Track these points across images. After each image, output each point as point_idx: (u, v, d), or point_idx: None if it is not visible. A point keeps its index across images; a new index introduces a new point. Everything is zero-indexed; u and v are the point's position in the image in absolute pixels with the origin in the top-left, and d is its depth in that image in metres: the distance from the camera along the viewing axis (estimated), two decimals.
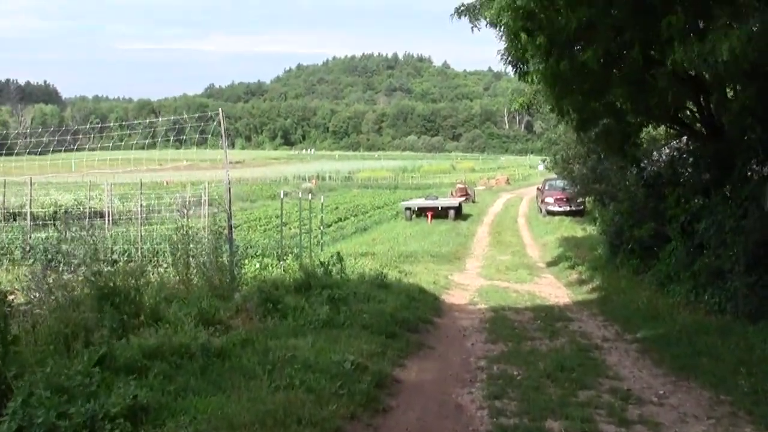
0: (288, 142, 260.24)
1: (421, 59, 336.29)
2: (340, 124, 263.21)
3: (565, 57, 16.52)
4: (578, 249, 30.53)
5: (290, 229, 28.22)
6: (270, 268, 19.39)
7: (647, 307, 16.98)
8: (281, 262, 19.58)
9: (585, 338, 14.71)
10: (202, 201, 20.62)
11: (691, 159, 21.51)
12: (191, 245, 14.85)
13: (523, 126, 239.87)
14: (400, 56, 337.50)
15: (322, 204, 28.01)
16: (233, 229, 15.75)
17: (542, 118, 55.75)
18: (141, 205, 21.10)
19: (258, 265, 19.53)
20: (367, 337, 12.28)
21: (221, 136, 16.14)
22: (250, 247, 22.95)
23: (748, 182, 16.60)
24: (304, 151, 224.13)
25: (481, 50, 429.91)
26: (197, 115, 18.29)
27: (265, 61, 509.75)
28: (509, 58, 20.62)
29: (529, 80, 21.38)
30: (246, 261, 20.25)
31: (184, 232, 14.75)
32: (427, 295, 19.46)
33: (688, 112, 21.19)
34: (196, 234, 15.94)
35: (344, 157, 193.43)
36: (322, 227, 28.23)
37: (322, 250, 24.74)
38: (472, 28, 20.31)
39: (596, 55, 15.25)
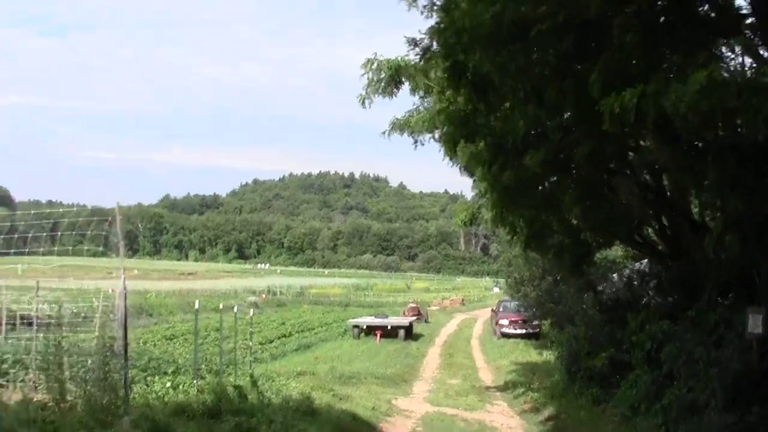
0: (242, 256, 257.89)
1: (377, 179, 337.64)
2: (296, 240, 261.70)
3: (510, 165, 14.78)
4: (534, 374, 28.69)
5: (228, 344, 26.08)
6: (181, 387, 16.96)
7: None
8: (195, 381, 17.16)
9: None
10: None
11: (653, 281, 19.91)
12: (71, 359, 12.53)
13: (479, 248, 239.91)
14: (357, 176, 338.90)
15: (251, 318, 25.93)
16: (128, 343, 13.41)
17: (498, 241, 54.70)
18: (37, 310, 18.64)
19: (169, 384, 17.09)
20: None
21: (118, 237, 13.84)
22: (168, 362, 20.57)
23: (719, 306, 14.80)
24: (259, 265, 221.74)
25: (437, 172, 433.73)
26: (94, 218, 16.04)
27: (222, 175, 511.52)
28: (460, 167, 19.12)
29: (477, 192, 19.83)
30: (156, 378, 17.81)
31: (56, 344, 12.44)
32: (361, 424, 17.18)
33: (649, 230, 19.67)
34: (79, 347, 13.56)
35: (297, 273, 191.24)
36: (251, 344, 26.01)
37: (251, 368, 22.48)
38: (415, 144, 18.89)
39: (541, 157, 13.51)
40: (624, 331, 18.72)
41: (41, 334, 17.02)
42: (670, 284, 18.39)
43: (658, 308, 18.51)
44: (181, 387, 16.95)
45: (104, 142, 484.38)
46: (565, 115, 13.80)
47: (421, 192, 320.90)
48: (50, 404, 11.79)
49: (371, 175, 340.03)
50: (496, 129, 14.71)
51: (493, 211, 17.82)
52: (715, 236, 12.20)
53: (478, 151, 15.77)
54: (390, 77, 19.32)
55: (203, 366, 21.60)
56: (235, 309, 25.61)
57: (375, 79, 19.40)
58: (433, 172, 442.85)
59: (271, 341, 46.92)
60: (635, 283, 21.20)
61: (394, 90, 19.57)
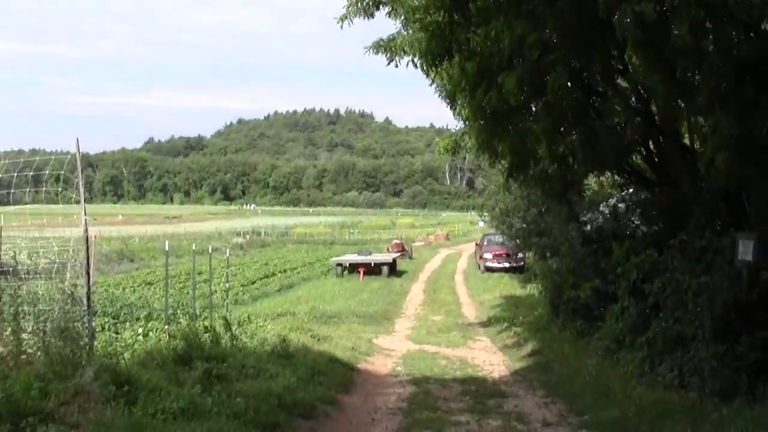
0: (227, 198, 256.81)
1: (363, 115, 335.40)
2: (281, 180, 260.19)
3: (495, 89, 13.94)
4: (517, 308, 28.34)
5: (210, 287, 25.53)
6: (152, 334, 16.33)
7: (595, 379, 14.38)
8: (167, 327, 16.53)
9: (522, 422, 12.05)
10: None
11: (639, 210, 19.29)
12: (36, 309, 11.88)
13: (464, 182, 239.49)
14: (342, 112, 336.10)
15: (227, 260, 25.23)
16: (93, 290, 12.77)
17: (483, 174, 53.92)
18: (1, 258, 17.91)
19: (140, 331, 16.46)
20: (236, 430, 9.38)
21: (79, 179, 12.97)
22: (141, 307, 20.00)
23: (707, 233, 14.19)
24: (245, 206, 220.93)
25: (423, 106, 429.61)
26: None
27: (206, 116, 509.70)
28: (440, 92, 18.30)
29: (458, 116, 19.01)
30: (127, 325, 17.20)
31: (12, 294, 11.79)
32: (340, 365, 16.61)
33: (637, 157, 19.02)
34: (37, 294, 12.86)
35: (283, 213, 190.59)
36: (227, 286, 25.35)
37: (228, 311, 21.89)
38: (389, 62, 17.90)
39: (516, 78, 12.70)
40: (609, 261, 18.16)
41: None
42: (658, 212, 17.76)
43: (644, 237, 17.93)
44: (151, 334, 16.35)
45: (89, 87, 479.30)
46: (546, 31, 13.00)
47: (407, 127, 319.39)
48: (7, 357, 11.19)
49: (357, 111, 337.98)
50: (480, 49, 13.92)
51: (478, 139, 17.08)
52: (708, 158, 11.33)
53: (461, 73, 14.97)
54: None
55: (178, 311, 21.06)
56: (210, 250, 24.97)
57: None
58: (419, 106, 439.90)
59: (253, 282, 46.73)
60: (620, 211, 20.64)
61: (375, 11, 18.60)
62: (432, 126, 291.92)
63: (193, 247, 27.36)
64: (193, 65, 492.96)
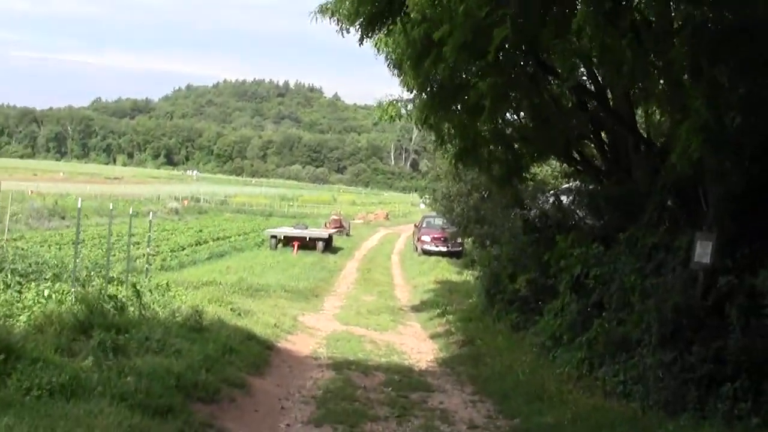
0: (171, 162, 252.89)
1: (312, 89, 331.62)
2: (225, 148, 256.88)
3: (443, 59, 12.72)
4: (452, 294, 27.47)
5: (129, 251, 23.96)
6: (56, 296, 14.83)
7: (529, 378, 13.36)
8: (74, 289, 15.03)
9: (446, 422, 11.00)
10: None
11: (586, 200, 18.35)
12: None
13: (408, 164, 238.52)
14: (291, 85, 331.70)
15: (150, 222, 23.89)
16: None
17: (428, 157, 52.99)
18: None
19: (47, 293, 14.89)
20: (118, 415, 8.05)
21: None
22: (54, 266, 18.50)
23: (659, 230, 13.25)
24: (188, 172, 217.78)
25: (372, 85, 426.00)
26: None
27: (155, 80, 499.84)
28: (388, 61, 17.06)
29: (404, 86, 17.79)
30: (33, 285, 15.59)
31: None
32: (256, 343, 15.30)
33: (589, 145, 18.12)
34: None
35: (225, 181, 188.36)
36: (149, 250, 23.95)
37: (147, 276, 20.50)
38: (339, 31, 16.55)
39: (455, 42, 11.54)
40: (551, 253, 17.16)
41: None
42: (606, 204, 16.74)
43: (591, 230, 17.01)
44: (55, 296, 14.80)
45: (38, 43, 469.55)
46: None
47: (355, 104, 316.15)
48: None
49: (306, 85, 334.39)
50: (429, 15, 12.74)
51: (422, 114, 15.87)
52: (683, 145, 10.09)
53: (406, 41, 13.75)
54: None
55: (93, 273, 19.57)
56: (131, 212, 23.47)
57: None
58: (368, 84, 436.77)
59: (183, 249, 45.30)
60: (565, 202, 19.74)
61: None
62: (380, 105, 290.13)
63: (110, 207, 25.73)
64: (145, 28, 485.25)
